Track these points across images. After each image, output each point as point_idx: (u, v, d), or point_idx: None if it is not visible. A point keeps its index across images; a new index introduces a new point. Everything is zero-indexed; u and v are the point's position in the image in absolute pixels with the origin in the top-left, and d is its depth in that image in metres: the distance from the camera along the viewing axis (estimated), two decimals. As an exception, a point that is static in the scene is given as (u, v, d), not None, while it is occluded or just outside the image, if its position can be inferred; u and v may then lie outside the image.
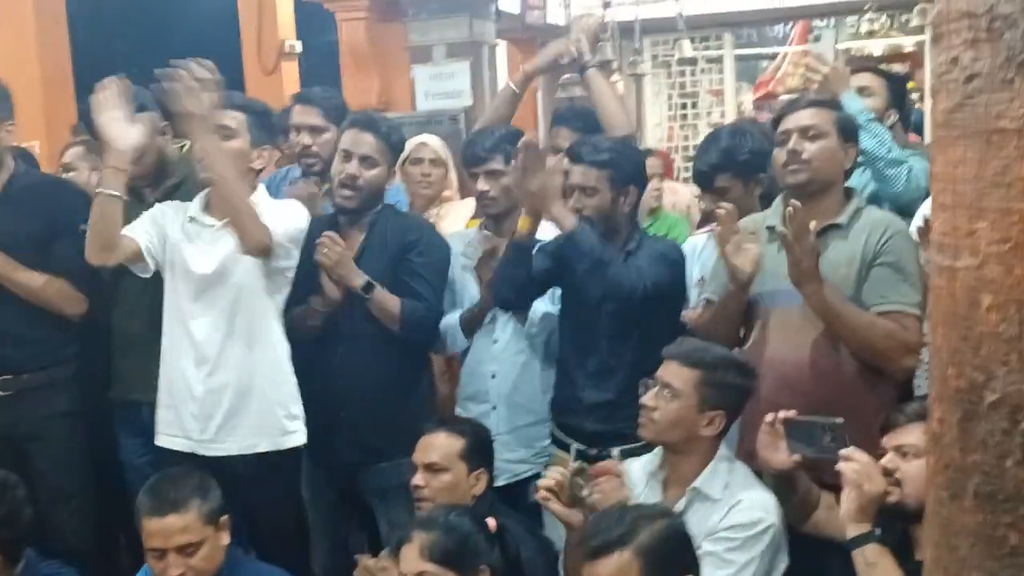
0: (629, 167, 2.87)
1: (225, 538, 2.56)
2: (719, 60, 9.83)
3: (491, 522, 2.33)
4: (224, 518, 2.56)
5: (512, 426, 3.06)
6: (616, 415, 2.73)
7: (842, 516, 2.14)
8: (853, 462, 2.12)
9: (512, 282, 2.89)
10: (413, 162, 3.80)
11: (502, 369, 3.08)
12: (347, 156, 3.00)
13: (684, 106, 10.18)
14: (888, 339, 2.43)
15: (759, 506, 2.36)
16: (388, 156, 3.05)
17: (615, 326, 2.81)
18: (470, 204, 3.69)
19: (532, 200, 2.78)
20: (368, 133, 3.01)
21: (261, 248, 2.78)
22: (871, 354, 2.47)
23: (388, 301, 2.95)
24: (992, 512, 1.00)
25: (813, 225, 2.41)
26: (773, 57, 10.97)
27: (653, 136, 10.11)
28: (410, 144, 3.65)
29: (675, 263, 2.89)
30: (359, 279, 2.91)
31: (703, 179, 3.07)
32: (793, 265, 2.41)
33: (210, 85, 2.73)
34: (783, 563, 2.41)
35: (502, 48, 7.56)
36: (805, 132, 2.56)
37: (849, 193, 2.64)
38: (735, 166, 2.98)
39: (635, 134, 3.52)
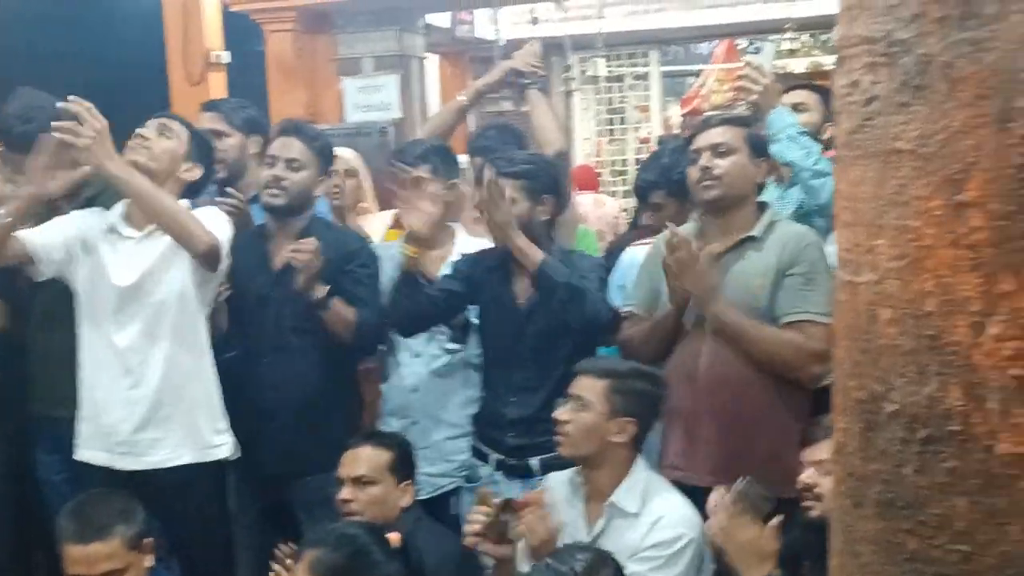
0: (545, 177, 2.91)
1: (149, 561, 2.54)
2: (646, 77, 9.97)
3: (393, 537, 2.31)
4: (147, 541, 2.53)
5: (433, 440, 3.06)
6: (537, 428, 2.75)
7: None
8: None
9: (404, 309, 2.91)
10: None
11: (424, 384, 3.09)
12: (273, 161, 3.01)
13: (612, 121, 10.30)
14: (793, 349, 2.50)
15: (680, 521, 2.39)
16: (315, 161, 3.06)
17: (540, 343, 2.84)
18: (389, 216, 3.71)
19: (497, 232, 2.80)
20: (293, 138, 3.05)
21: (211, 250, 2.73)
22: (778, 365, 2.53)
23: (344, 309, 2.96)
24: (892, 519, 1.04)
25: (709, 248, 2.48)
26: (698, 74, 11.16)
27: (582, 151, 10.21)
28: None
29: (605, 283, 2.93)
30: (321, 288, 2.92)
31: (640, 193, 3.16)
32: (692, 292, 2.48)
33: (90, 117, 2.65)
34: (709, 572, 2.44)
35: (432, 62, 7.58)
36: (716, 149, 2.63)
37: (763, 206, 2.71)
38: (670, 184, 3.06)
39: (566, 152, 3.56)
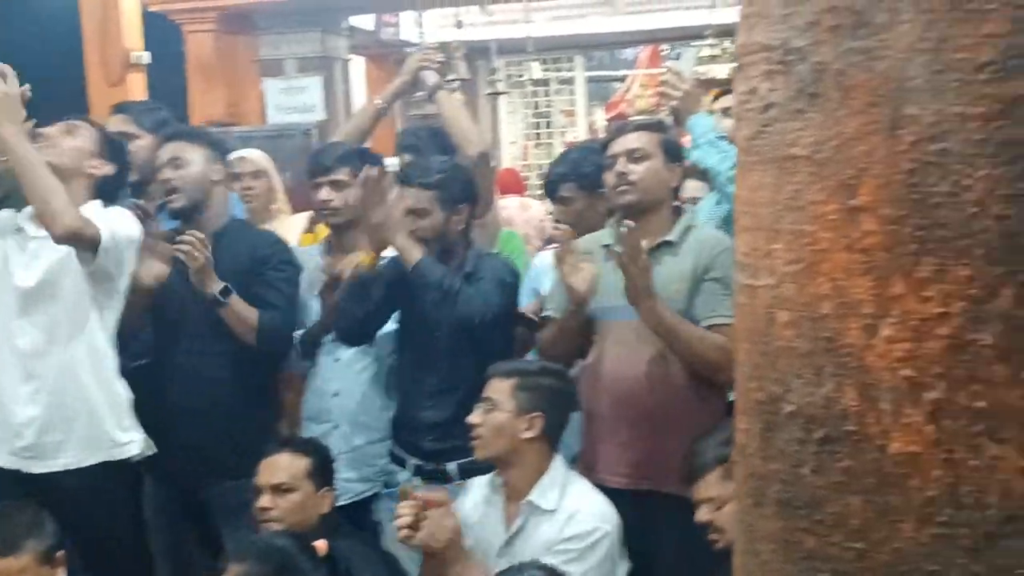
0: (459, 186, 2.91)
1: (61, 574, 2.48)
2: (571, 81, 10.04)
3: (320, 545, 2.29)
4: (60, 554, 2.48)
5: (354, 445, 3.04)
6: (454, 432, 2.75)
7: None
8: None
9: (354, 317, 2.90)
10: (233, 177, 3.76)
11: (345, 387, 3.07)
12: (165, 165, 2.99)
13: (538, 125, 10.36)
14: (719, 351, 2.53)
15: (595, 515, 2.41)
16: (202, 153, 3.04)
17: (454, 346, 2.84)
18: (303, 219, 3.68)
19: (375, 232, 2.80)
20: (183, 141, 3.05)
21: (72, 233, 2.65)
22: (703, 366, 2.56)
23: (245, 310, 2.92)
24: (790, 518, 1.06)
25: (645, 244, 2.50)
26: (623, 79, 11.27)
27: (509, 154, 10.25)
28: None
29: (512, 285, 2.93)
30: (216, 285, 2.87)
31: (550, 188, 3.17)
32: (628, 284, 2.48)
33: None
34: (623, 569, 2.46)
35: (358, 64, 7.54)
36: (631, 155, 2.66)
37: (679, 211, 2.74)
38: (579, 177, 3.08)
39: (489, 152, 3.56)
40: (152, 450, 2.88)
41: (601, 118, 11.47)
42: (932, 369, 0.96)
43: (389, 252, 2.92)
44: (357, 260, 2.87)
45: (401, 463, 2.95)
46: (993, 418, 0.94)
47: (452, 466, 2.82)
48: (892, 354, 0.98)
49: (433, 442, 2.86)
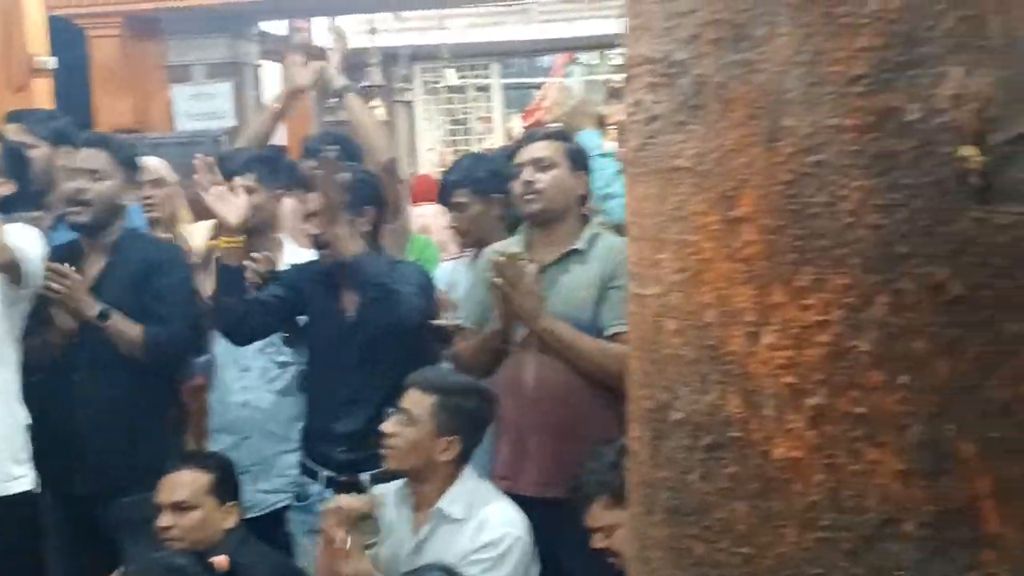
0: (364, 189, 2.89)
1: None
2: (488, 88, 10.07)
3: (219, 561, 2.25)
4: None
5: (264, 456, 3.00)
6: (367, 443, 2.72)
7: None
8: None
9: (233, 311, 2.84)
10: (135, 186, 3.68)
11: (255, 397, 3.02)
12: (73, 174, 2.90)
13: (455, 132, 10.36)
14: (619, 361, 2.54)
15: (505, 522, 2.41)
16: (119, 171, 2.96)
17: (368, 355, 2.81)
18: (207, 227, 3.62)
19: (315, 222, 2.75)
20: (94, 149, 2.96)
21: (6, 265, 2.59)
22: (606, 377, 2.58)
23: (127, 328, 2.84)
24: (679, 525, 1.07)
25: (532, 267, 2.52)
26: (540, 87, 11.34)
27: (427, 161, 10.23)
28: None
29: (430, 293, 2.92)
30: (92, 309, 2.79)
31: (443, 193, 3.18)
32: (519, 311, 2.51)
33: None
34: (535, 573, 2.47)
35: (270, 69, 7.44)
36: (538, 163, 2.68)
37: (586, 219, 2.77)
38: (473, 182, 3.09)
39: (396, 158, 3.54)
40: (37, 488, 2.79)
41: (519, 125, 11.52)
42: (812, 376, 0.98)
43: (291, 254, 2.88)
44: (225, 241, 2.80)
45: (313, 475, 2.91)
46: (871, 423, 0.96)
47: (365, 477, 2.79)
48: (774, 361, 0.99)
49: (346, 453, 2.83)
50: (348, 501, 2.41)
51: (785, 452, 1.00)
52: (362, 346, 2.82)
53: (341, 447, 2.83)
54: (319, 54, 3.47)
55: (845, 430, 0.97)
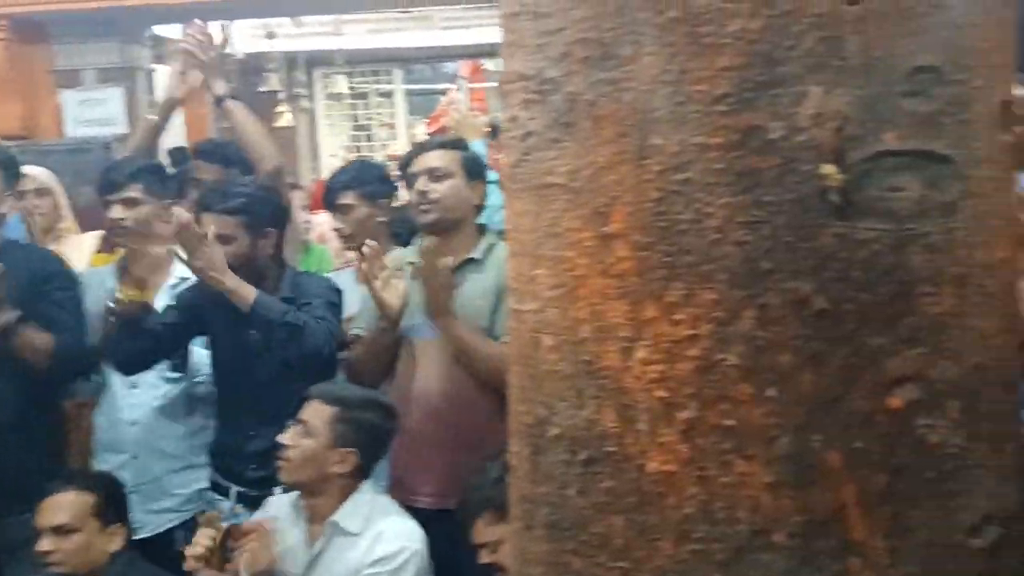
0: (265, 209, 2.81)
1: None
2: (391, 95, 10.02)
3: None
4: None
5: (154, 475, 2.91)
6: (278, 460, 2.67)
7: None
8: None
9: (128, 351, 2.77)
10: (16, 196, 3.56)
11: (143, 416, 2.93)
12: None
13: (358, 139, 10.27)
14: None
15: (401, 535, 2.39)
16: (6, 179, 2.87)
17: (278, 375, 2.74)
18: (94, 238, 3.52)
19: (203, 276, 2.65)
20: None
21: None
22: (500, 384, 2.57)
23: (37, 336, 2.75)
24: (558, 540, 1.07)
25: (448, 261, 2.50)
26: (445, 92, 11.32)
27: (329, 168, 10.11)
28: None
29: (338, 305, 2.87)
30: (10, 314, 2.69)
31: (329, 196, 3.14)
32: (428, 300, 2.48)
33: None
34: None
35: (165, 74, 7.27)
36: (432, 173, 2.66)
37: (482, 229, 2.76)
38: (361, 185, 3.06)
39: (283, 168, 3.46)
40: None
41: (423, 131, 11.48)
42: (684, 389, 0.99)
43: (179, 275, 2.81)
44: (128, 295, 2.72)
45: (224, 492, 2.84)
46: (740, 436, 0.98)
47: (278, 492, 2.73)
48: (647, 376, 1.00)
49: (257, 470, 2.76)
50: (210, 518, 2.37)
51: (659, 466, 1.01)
52: (271, 364, 2.75)
53: (253, 464, 2.77)
54: (199, 62, 3.36)
55: (716, 443, 0.99)
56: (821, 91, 0.92)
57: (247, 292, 2.62)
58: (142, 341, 2.75)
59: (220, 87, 3.34)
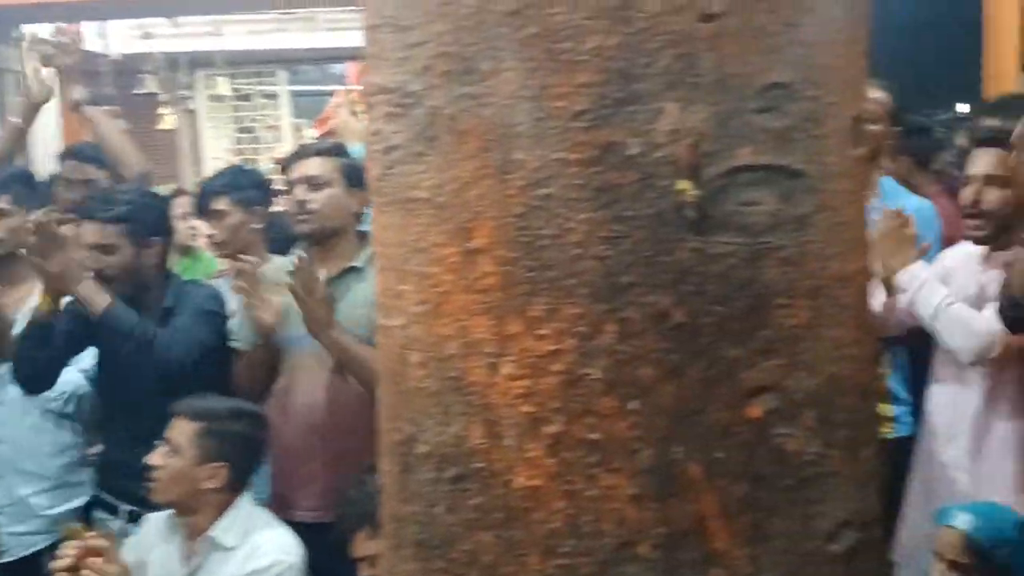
0: (150, 218, 2.72)
1: None
2: (275, 96, 9.84)
3: None
4: None
5: (19, 496, 2.79)
6: None
7: None
8: None
9: (36, 364, 2.65)
10: None
11: (7, 434, 2.81)
12: None
13: (242, 141, 10.06)
14: None
15: (277, 548, 2.34)
16: None
17: (161, 388, 2.65)
18: None
19: (54, 282, 2.54)
20: None
21: None
22: None
23: None
24: (426, 558, 1.06)
25: (323, 274, 2.45)
26: (332, 94, 11.19)
27: (212, 171, 9.89)
28: None
29: (218, 314, 2.79)
30: None
31: (202, 201, 3.04)
32: (306, 317, 2.43)
33: None
34: None
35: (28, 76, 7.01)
36: (311, 181, 2.60)
37: (364, 236, 2.72)
38: (235, 191, 2.98)
39: (148, 173, 3.35)
40: None
41: (312, 134, 11.32)
42: (550, 404, 0.99)
43: None
44: (34, 304, 2.61)
45: (112, 510, 2.74)
46: (605, 449, 0.98)
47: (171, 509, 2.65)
48: (513, 391, 1.00)
49: (147, 487, 2.67)
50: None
51: (526, 481, 1.01)
52: (156, 379, 2.66)
53: (142, 481, 2.67)
54: (56, 65, 3.24)
55: (581, 456, 0.99)
56: (677, 108, 0.94)
57: (99, 301, 2.53)
58: (49, 355, 2.62)
59: (78, 92, 3.22)
